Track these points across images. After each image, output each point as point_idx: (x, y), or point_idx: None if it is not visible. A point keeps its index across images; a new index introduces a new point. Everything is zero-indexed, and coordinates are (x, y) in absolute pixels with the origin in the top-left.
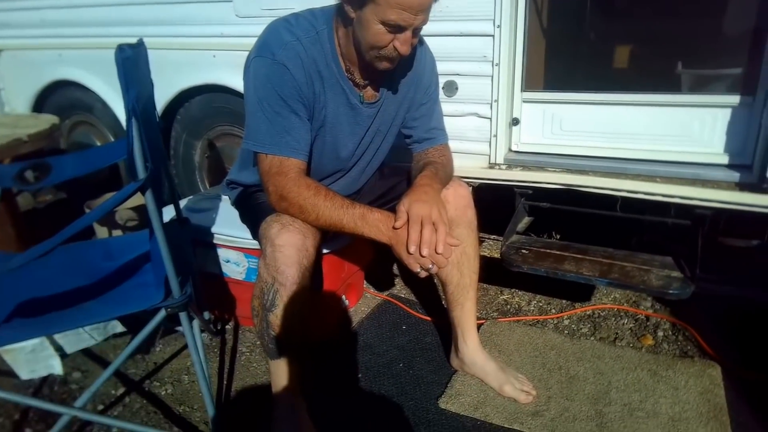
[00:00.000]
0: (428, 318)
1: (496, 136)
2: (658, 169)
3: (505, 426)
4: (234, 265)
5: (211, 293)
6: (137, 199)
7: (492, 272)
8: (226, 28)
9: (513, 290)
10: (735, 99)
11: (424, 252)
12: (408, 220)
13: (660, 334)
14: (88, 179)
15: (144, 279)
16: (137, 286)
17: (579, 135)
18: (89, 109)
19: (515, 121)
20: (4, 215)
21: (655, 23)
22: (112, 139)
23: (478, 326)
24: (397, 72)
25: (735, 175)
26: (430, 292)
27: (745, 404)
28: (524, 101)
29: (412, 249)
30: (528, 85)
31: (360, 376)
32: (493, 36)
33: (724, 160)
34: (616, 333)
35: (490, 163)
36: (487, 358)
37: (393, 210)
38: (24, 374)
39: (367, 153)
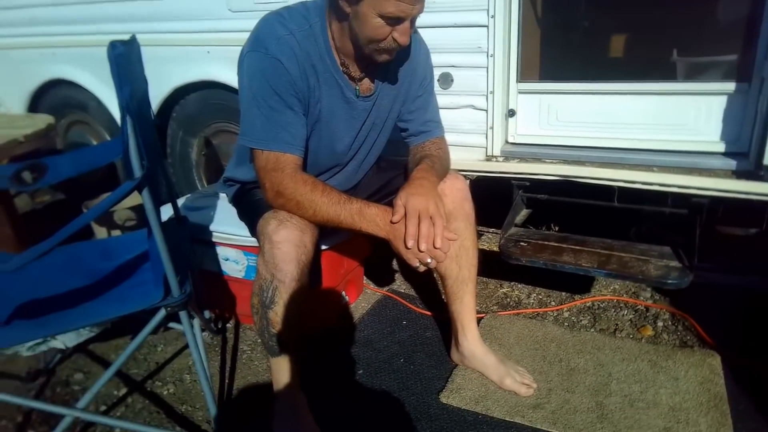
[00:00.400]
0: (428, 313)
1: (492, 128)
2: (654, 158)
3: (507, 419)
4: (233, 263)
5: (210, 292)
6: (135, 199)
7: (491, 265)
8: (220, 23)
9: (512, 283)
10: (730, 86)
11: (422, 246)
12: (405, 214)
13: (659, 324)
14: (85, 179)
15: (143, 278)
16: (136, 286)
17: (575, 125)
18: (84, 107)
19: (511, 113)
20: (2, 216)
21: (650, 11)
22: (108, 138)
23: (478, 320)
24: (393, 63)
25: (731, 163)
26: (429, 286)
27: (745, 393)
28: (520, 92)
29: (410, 243)
30: (523, 75)
31: (361, 371)
32: (487, 26)
33: (721, 148)
34: (616, 324)
35: (486, 156)
36: (487, 352)
37: (391, 204)
38: (25, 352)
39: (363, 147)
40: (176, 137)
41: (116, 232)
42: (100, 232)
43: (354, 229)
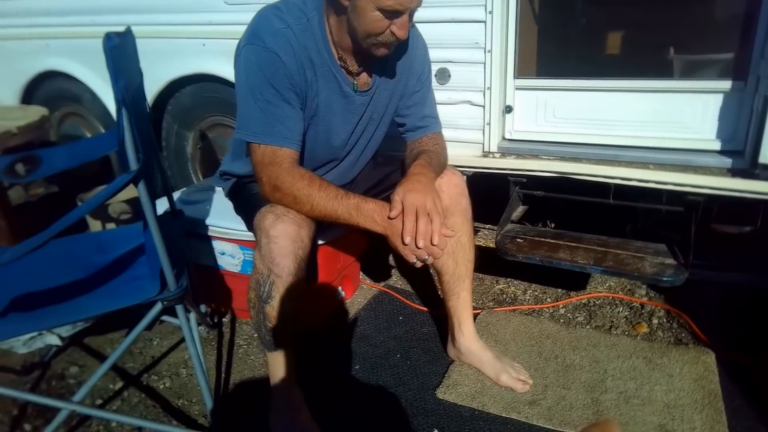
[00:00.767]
0: (425, 308)
1: (489, 124)
2: (650, 155)
3: (503, 415)
4: (229, 258)
5: (206, 286)
6: (130, 192)
7: (487, 262)
8: (215, 16)
9: (508, 279)
10: (726, 84)
11: (420, 243)
12: (403, 210)
13: (655, 321)
14: (79, 172)
15: (139, 272)
16: (132, 280)
17: (572, 122)
18: (78, 100)
19: (508, 109)
20: None
21: (647, 8)
22: (103, 131)
23: (474, 316)
24: (390, 58)
25: (727, 161)
26: (426, 282)
27: (739, 390)
28: (517, 88)
29: (408, 240)
30: (520, 72)
31: (357, 367)
32: (485, 22)
33: (716, 146)
34: (612, 321)
35: (483, 152)
36: (483, 348)
37: (388, 200)
38: (20, 350)
39: (360, 141)
40: (171, 130)
41: (111, 225)
42: (95, 225)
43: (351, 225)
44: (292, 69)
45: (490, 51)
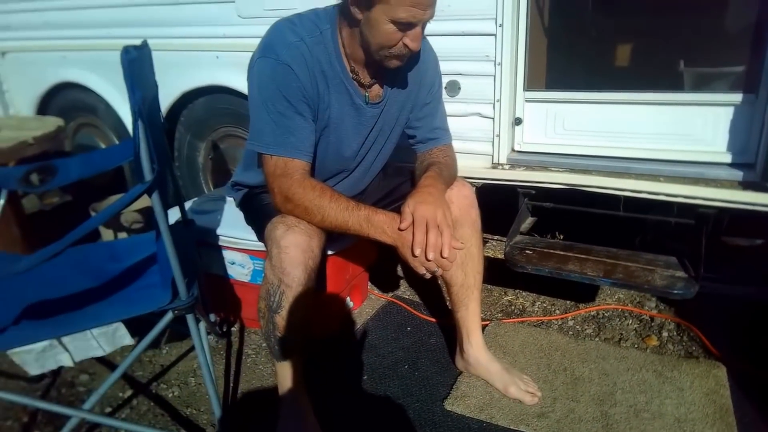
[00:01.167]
0: (433, 319)
1: (498, 135)
2: (661, 168)
3: (511, 427)
4: (239, 267)
5: (216, 295)
6: (142, 201)
7: (496, 273)
8: (229, 29)
9: (517, 291)
10: (737, 97)
11: (430, 256)
12: (413, 222)
13: (665, 334)
14: (93, 181)
15: (151, 281)
16: (144, 288)
17: (582, 134)
18: (93, 110)
19: (518, 121)
20: (10, 217)
21: (657, 21)
22: (116, 141)
23: (483, 327)
24: (402, 70)
25: (738, 174)
26: (434, 293)
27: (751, 405)
28: (527, 101)
29: (418, 252)
30: (530, 84)
31: (365, 377)
32: (495, 35)
33: (727, 158)
34: (621, 333)
35: (493, 163)
36: (491, 359)
37: (398, 211)
38: (33, 370)
39: (370, 153)
40: (184, 141)
41: (122, 234)
42: (107, 234)
43: (362, 236)
44: (305, 81)
45: (500, 64)
